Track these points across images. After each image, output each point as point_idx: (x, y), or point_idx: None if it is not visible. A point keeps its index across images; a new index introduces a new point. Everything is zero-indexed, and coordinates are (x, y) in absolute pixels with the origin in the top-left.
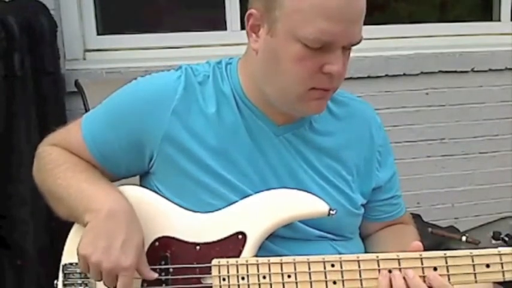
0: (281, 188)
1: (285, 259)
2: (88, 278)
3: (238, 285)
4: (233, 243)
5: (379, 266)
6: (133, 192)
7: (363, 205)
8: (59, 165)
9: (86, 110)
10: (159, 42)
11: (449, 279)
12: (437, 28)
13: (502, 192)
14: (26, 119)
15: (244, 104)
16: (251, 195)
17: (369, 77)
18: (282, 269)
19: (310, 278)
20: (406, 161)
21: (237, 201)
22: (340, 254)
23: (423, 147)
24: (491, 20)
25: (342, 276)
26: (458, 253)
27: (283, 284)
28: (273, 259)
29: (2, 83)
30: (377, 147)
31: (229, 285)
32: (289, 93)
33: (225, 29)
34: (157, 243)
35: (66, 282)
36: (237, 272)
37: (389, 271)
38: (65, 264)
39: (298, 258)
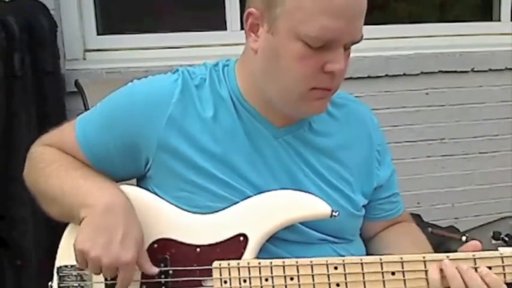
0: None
1: (287, 261)
2: (84, 280)
3: None
4: (234, 245)
5: (382, 268)
6: (132, 192)
7: (363, 206)
8: (51, 164)
9: (86, 110)
10: (159, 42)
11: None
12: (437, 28)
13: (502, 192)
14: (26, 119)
15: (242, 106)
16: (251, 197)
17: (369, 77)
18: (284, 272)
19: (313, 280)
20: (406, 161)
21: (237, 202)
22: (341, 256)
23: (423, 147)
24: (491, 20)
25: (345, 279)
26: (460, 255)
27: (285, 286)
28: (275, 261)
29: (2, 83)
30: (376, 147)
31: None
32: (290, 92)
33: (225, 29)
34: (156, 245)
35: (61, 285)
36: (239, 274)
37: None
38: (60, 267)
39: (301, 261)
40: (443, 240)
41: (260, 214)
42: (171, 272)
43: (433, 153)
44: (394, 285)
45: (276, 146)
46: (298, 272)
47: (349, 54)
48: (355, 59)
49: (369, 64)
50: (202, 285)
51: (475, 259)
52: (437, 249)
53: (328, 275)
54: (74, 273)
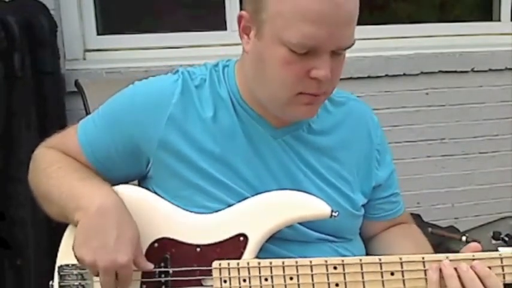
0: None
1: (287, 261)
2: (85, 279)
3: None
4: (234, 245)
5: (381, 268)
6: (133, 192)
7: (363, 205)
8: (52, 165)
9: (86, 110)
10: (159, 42)
11: None
12: (437, 28)
13: (502, 192)
14: (26, 119)
15: (241, 107)
16: (249, 198)
17: (369, 77)
18: (284, 271)
19: (312, 280)
20: (406, 161)
21: (233, 205)
22: (340, 255)
23: (423, 147)
24: (491, 20)
25: (345, 279)
26: (460, 256)
27: (285, 286)
28: (274, 261)
29: (2, 83)
30: (375, 146)
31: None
32: (277, 97)
33: (225, 29)
34: (156, 245)
35: (62, 284)
36: (239, 274)
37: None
38: (61, 266)
39: (301, 261)
40: (443, 240)
41: (260, 214)
42: (171, 271)
43: (433, 153)
44: (393, 285)
45: (275, 147)
46: (297, 271)
47: (343, 58)
48: (355, 59)
49: (369, 64)
50: (202, 285)
51: (474, 259)
52: (437, 249)
53: (328, 275)
54: (75, 272)
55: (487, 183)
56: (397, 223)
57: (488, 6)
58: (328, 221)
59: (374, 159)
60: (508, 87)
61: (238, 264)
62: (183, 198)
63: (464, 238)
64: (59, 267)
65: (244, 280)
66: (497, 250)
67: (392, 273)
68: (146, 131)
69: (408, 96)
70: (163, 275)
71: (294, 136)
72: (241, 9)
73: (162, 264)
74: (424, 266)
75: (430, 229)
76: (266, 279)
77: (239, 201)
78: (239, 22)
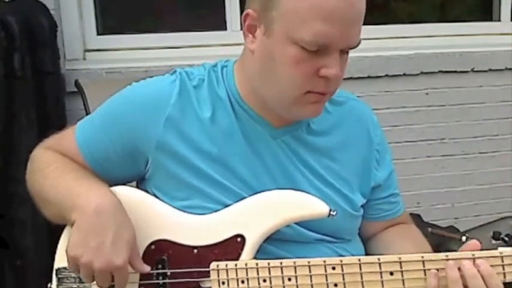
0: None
1: (285, 262)
2: (83, 282)
3: None
4: (232, 246)
5: (380, 268)
6: (130, 193)
7: (362, 205)
8: (49, 166)
9: (86, 110)
10: (159, 42)
11: None
12: (437, 28)
13: (502, 192)
14: (26, 119)
15: (240, 107)
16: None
17: (369, 77)
18: (282, 272)
19: (311, 281)
20: (406, 161)
21: (231, 205)
22: (339, 255)
23: (423, 147)
24: (491, 20)
25: (343, 279)
26: (459, 254)
27: (283, 287)
28: (273, 262)
29: (2, 83)
30: (375, 146)
31: None
32: (285, 96)
33: (225, 29)
34: (153, 247)
35: (60, 287)
36: (237, 275)
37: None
38: (59, 268)
39: (299, 261)
40: (443, 240)
41: (257, 214)
42: (168, 273)
43: (433, 153)
44: (393, 285)
45: (274, 147)
46: (296, 272)
47: (347, 57)
48: (355, 59)
49: (369, 64)
50: (200, 287)
51: (474, 258)
52: (437, 249)
53: (326, 276)
54: (73, 274)
55: (487, 183)
56: (396, 223)
57: (488, 6)
58: (327, 222)
59: (373, 159)
60: (508, 87)
61: (236, 265)
62: (181, 200)
63: (464, 238)
64: (56, 270)
65: (243, 281)
66: (497, 250)
67: (391, 273)
68: (145, 132)
69: (408, 96)
70: (161, 277)
71: (294, 136)
72: (241, 9)
73: (160, 266)
74: (424, 266)
75: (430, 229)
76: (264, 281)
77: (236, 202)
78: (244, 21)
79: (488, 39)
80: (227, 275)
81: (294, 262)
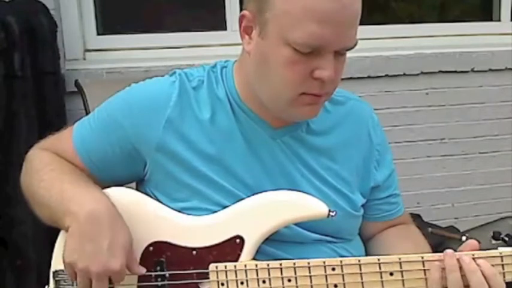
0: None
1: (284, 263)
2: None
3: None
4: (231, 247)
5: (380, 269)
6: (125, 195)
7: (362, 205)
8: (44, 168)
9: (86, 110)
10: (159, 42)
11: None
12: (437, 28)
13: (502, 192)
14: (26, 119)
15: (239, 107)
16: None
17: (369, 77)
18: (282, 273)
19: (310, 281)
20: (406, 161)
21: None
22: (340, 256)
23: (423, 147)
24: (491, 20)
25: (343, 280)
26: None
27: None
28: (272, 263)
29: (2, 83)
30: (375, 146)
31: None
32: (280, 97)
33: (225, 29)
34: (151, 249)
35: None
36: (236, 276)
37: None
38: (56, 271)
39: (299, 262)
40: (443, 240)
41: (256, 215)
42: (167, 275)
43: (433, 153)
44: (393, 285)
45: (273, 147)
46: (295, 273)
47: (344, 59)
48: (355, 59)
49: (369, 64)
50: None
51: (474, 258)
52: (437, 249)
53: (326, 276)
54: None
55: (487, 183)
56: (396, 224)
57: (488, 6)
58: (327, 222)
59: (373, 159)
60: (508, 87)
61: (235, 266)
62: (180, 201)
63: (464, 238)
64: (53, 272)
65: (242, 283)
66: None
67: (391, 274)
68: (144, 134)
69: (408, 96)
70: (159, 279)
71: (293, 137)
72: (241, 9)
73: (158, 268)
74: (423, 266)
75: (430, 229)
76: (264, 282)
77: (235, 203)
78: (240, 22)
79: (488, 39)
80: (226, 276)
81: (294, 263)
